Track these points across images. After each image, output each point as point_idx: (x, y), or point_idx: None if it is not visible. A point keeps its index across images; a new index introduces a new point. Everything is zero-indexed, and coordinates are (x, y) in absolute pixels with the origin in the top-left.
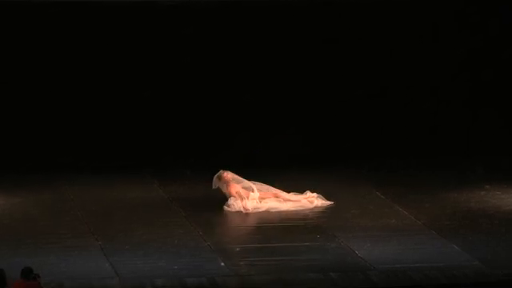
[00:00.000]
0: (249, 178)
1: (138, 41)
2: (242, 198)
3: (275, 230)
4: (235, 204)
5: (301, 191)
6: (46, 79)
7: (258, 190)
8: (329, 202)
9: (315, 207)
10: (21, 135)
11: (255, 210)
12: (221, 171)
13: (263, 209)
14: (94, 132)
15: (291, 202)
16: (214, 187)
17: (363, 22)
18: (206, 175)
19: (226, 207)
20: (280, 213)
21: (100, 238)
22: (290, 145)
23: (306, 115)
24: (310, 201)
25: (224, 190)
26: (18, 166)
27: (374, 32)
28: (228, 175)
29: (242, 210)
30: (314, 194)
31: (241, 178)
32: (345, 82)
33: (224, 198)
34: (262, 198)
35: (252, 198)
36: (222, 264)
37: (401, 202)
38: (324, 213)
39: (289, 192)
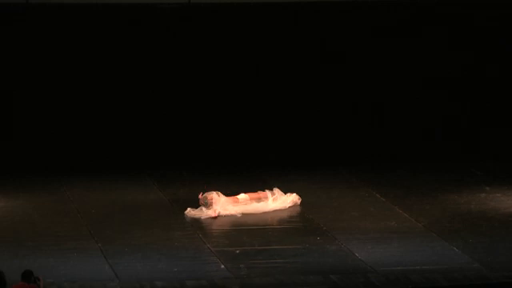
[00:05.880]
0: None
1: (135, 44)
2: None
3: (275, 232)
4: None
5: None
6: (46, 82)
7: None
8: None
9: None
10: (21, 138)
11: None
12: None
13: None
14: (94, 134)
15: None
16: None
17: (357, 29)
18: (205, 177)
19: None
20: (279, 215)
21: (100, 241)
22: (289, 146)
23: (305, 117)
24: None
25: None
26: (18, 169)
27: (367, 40)
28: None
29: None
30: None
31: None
32: (344, 82)
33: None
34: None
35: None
36: (222, 266)
37: (401, 204)
38: (324, 215)
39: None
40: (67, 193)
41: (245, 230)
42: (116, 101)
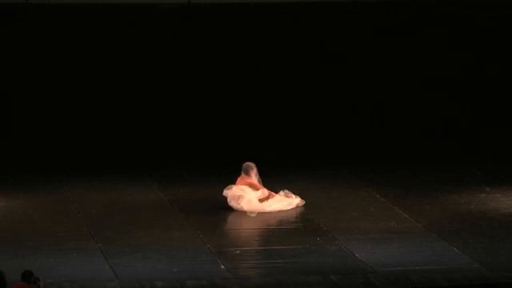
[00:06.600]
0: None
1: (135, 44)
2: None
3: (275, 232)
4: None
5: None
6: (46, 82)
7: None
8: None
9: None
10: (21, 138)
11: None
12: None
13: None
14: (94, 134)
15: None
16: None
17: (357, 30)
18: (205, 177)
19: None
20: (279, 215)
21: (100, 241)
22: (289, 146)
23: (305, 117)
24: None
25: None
26: (18, 169)
27: (367, 40)
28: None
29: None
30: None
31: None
32: (344, 83)
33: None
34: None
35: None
36: (222, 267)
37: (401, 205)
38: (324, 215)
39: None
40: (67, 193)
41: (245, 230)
42: (116, 101)
